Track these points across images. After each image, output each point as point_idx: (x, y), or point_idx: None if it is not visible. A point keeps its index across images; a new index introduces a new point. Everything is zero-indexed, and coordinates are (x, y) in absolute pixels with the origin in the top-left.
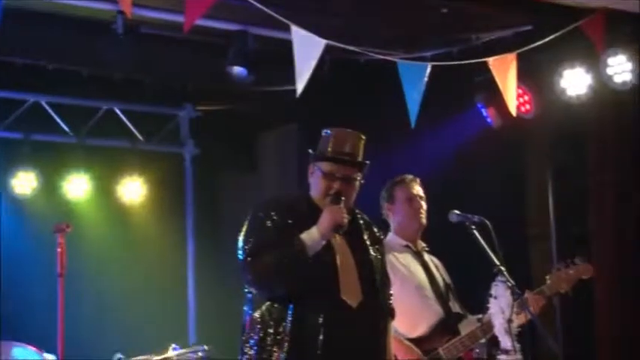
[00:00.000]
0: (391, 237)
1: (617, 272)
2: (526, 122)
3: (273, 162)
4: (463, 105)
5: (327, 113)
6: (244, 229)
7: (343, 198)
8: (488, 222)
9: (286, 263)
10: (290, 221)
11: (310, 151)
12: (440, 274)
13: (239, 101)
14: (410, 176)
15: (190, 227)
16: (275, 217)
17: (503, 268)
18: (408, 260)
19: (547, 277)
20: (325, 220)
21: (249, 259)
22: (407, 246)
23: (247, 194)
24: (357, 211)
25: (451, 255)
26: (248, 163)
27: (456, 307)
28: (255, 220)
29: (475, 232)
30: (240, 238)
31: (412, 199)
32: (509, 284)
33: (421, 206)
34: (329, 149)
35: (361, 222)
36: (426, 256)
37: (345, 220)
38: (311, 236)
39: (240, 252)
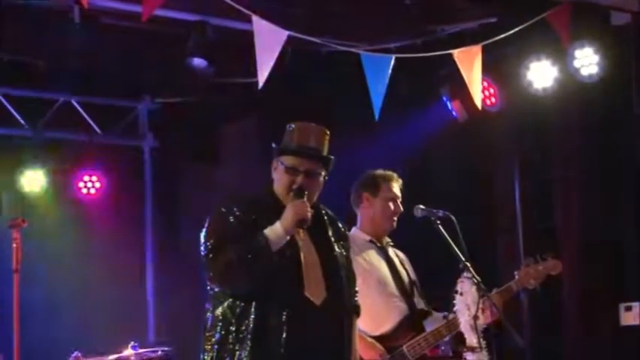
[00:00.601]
0: (355, 232)
1: (582, 267)
2: (492, 115)
3: (234, 155)
4: (428, 98)
5: (289, 105)
6: (207, 224)
7: (307, 192)
8: (453, 217)
9: (249, 259)
10: (253, 217)
11: (274, 145)
12: (405, 269)
13: (199, 93)
14: (395, 175)
15: (149, 221)
16: (238, 213)
17: (468, 264)
18: (371, 256)
19: (515, 272)
20: (289, 214)
21: (211, 255)
22: (371, 241)
23: (208, 188)
24: (321, 206)
25: (416, 251)
26: (208, 156)
27: (420, 303)
28: (218, 216)
29: (440, 227)
30: (203, 234)
31: (395, 200)
32: (475, 280)
33: (399, 210)
34: (293, 143)
35: (325, 218)
36: (391, 251)
37: (309, 215)
38: (274, 231)
39: (202, 248)
